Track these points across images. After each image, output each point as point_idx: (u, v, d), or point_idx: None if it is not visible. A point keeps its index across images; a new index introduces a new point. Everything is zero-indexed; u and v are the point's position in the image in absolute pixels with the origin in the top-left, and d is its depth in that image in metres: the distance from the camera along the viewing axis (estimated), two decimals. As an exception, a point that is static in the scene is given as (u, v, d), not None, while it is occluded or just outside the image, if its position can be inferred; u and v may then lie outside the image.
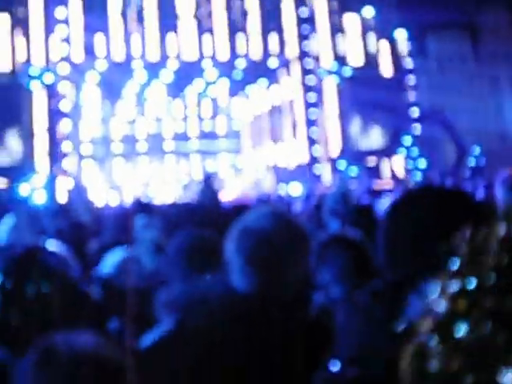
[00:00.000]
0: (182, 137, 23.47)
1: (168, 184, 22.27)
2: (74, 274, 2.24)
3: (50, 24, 21.78)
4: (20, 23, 21.94)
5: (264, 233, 2.11)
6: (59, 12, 22.14)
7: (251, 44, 23.39)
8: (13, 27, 21.85)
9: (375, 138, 25.01)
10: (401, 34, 25.47)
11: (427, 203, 1.76)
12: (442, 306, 0.65)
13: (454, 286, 0.65)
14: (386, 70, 25.38)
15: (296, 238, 2.11)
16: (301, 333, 1.86)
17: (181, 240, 3.21)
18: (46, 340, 1.51)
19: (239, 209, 5.84)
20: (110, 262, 3.74)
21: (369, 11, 24.75)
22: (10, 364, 1.92)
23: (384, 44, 25.25)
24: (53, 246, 2.36)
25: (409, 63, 25.71)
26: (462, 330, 0.62)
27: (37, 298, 2.01)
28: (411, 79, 25.63)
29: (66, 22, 22.07)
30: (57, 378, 1.40)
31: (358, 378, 1.62)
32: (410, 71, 25.68)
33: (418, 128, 25.27)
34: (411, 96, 25.54)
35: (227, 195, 18.72)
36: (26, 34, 21.74)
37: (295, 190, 19.94)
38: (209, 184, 11.42)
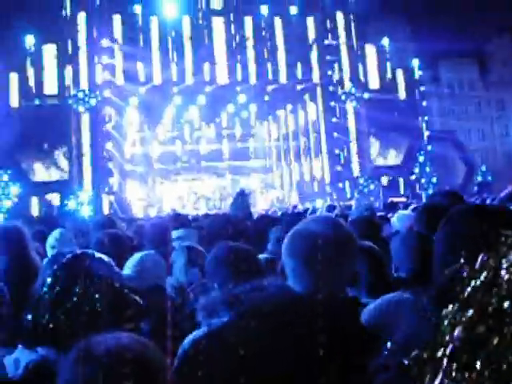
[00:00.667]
0: (216, 156, 24.58)
1: (203, 199, 23.65)
2: (119, 280, 2.23)
3: (94, 52, 22.74)
4: (67, 52, 22.89)
5: (317, 235, 2.06)
6: (103, 42, 23.26)
7: (279, 71, 24.45)
8: (60, 55, 22.77)
9: (391, 156, 26.20)
10: (415, 63, 26.79)
11: (481, 219, 1.76)
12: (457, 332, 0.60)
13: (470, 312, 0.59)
14: (402, 94, 26.55)
15: (345, 241, 2.06)
16: (351, 336, 1.69)
17: (219, 251, 3.15)
18: (87, 339, 1.48)
19: (268, 221, 5.85)
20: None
21: (386, 42, 26.01)
22: (55, 360, 1.95)
23: (400, 71, 26.49)
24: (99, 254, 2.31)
25: (422, 89, 27.19)
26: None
27: (83, 301, 2.02)
28: (424, 103, 27.09)
29: (109, 50, 23.14)
30: (94, 374, 1.38)
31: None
32: (423, 96, 27.14)
33: (430, 147, 26.52)
34: (424, 118, 26.88)
35: (257, 209, 19.88)
36: (73, 62, 22.74)
37: (318, 204, 21.12)
38: (242, 198, 12.25)
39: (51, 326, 2.02)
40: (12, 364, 2.02)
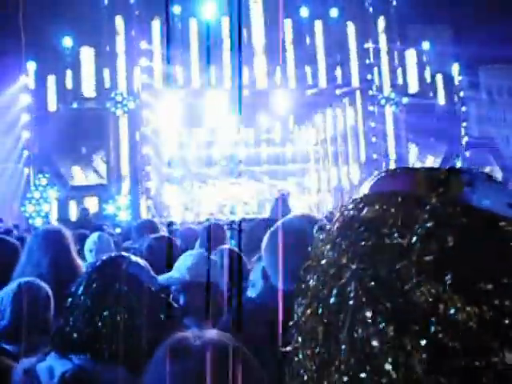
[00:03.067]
0: (255, 160, 23.76)
1: (242, 203, 22.84)
2: (154, 282, 2.17)
3: (132, 54, 21.97)
4: (105, 54, 22.58)
5: (294, 231, 2.22)
6: (142, 44, 22.62)
7: (319, 74, 23.54)
8: (98, 57, 22.06)
9: (429, 161, 24.94)
10: (455, 67, 25.66)
11: None
12: None
13: None
14: (441, 99, 25.49)
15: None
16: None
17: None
18: (174, 336, 1.44)
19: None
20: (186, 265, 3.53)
21: (427, 46, 24.95)
22: (92, 369, 1.89)
23: (439, 76, 25.42)
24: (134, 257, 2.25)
25: (461, 94, 25.90)
26: None
27: (118, 305, 1.95)
28: (463, 109, 25.91)
29: (147, 52, 22.43)
30: (190, 367, 1.34)
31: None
32: (463, 102, 25.99)
33: (468, 153, 25.42)
34: (463, 124, 25.66)
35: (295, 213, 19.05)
36: (111, 64, 21.98)
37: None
38: (282, 202, 11.79)
39: (86, 331, 1.94)
40: (45, 372, 1.92)
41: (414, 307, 0.58)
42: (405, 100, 24.55)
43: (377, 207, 0.65)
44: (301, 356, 0.68)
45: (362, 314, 0.61)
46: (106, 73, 22.17)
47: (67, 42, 22.03)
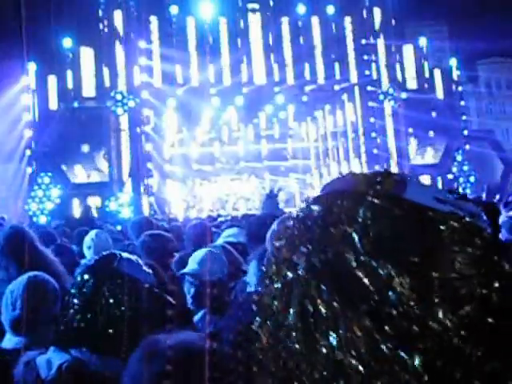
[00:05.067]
0: (255, 157, 24.09)
1: (242, 200, 23.07)
2: (149, 279, 2.19)
3: (131, 54, 22.48)
4: (104, 54, 22.58)
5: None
6: (140, 43, 22.92)
7: (317, 71, 24.01)
8: (98, 57, 22.57)
9: (429, 155, 25.57)
10: (453, 62, 26.13)
11: None
12: None
13: None
14: (439, 94, 25.84)
15: None
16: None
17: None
18: (148, 338, 1.50)
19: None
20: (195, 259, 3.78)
21: (424, 41, 25.44)
22: (88, 361, 1.96)
23: (437, 71, 25.82)
24: (130, 254, 2.29)
25: (460, 88, 26.51)
26: None
27: (111, 302, 2.02)
28: (462, 103, 26.37)
29: (146, 51, 22.95)
30: (161, 369, 1.38)
31: None
32: (461, 96, 26.55)
33: (468, 147, 25.93)
34: (462, 118, 26.19)
35: (295, 209, 19.46)
36: (110, 64, 22.49)
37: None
38: (272, 198, 12.03)
39: (81, 327, 2.02)
40: (44, 364, 2.02)
41: (357, 282, 0.69)
42: (403, 95, 25.00)
43: (324, 203, 0.77)
44: (260, 333, 0.78)
45: (310, 290, 0.71)
46: (106, 72, 22.61)
47: (67, 42, 22.48)
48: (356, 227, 0.72)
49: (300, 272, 0.73)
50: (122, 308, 2.01)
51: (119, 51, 22.69)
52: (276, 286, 0.77)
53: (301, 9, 23.88)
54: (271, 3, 23.80)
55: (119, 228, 11.39)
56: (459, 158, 25.70)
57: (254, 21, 23.76)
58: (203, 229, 5.83)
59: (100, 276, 2.10)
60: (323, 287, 0.70)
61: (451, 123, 25.56)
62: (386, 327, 0.67)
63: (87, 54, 22.79)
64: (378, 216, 0.73)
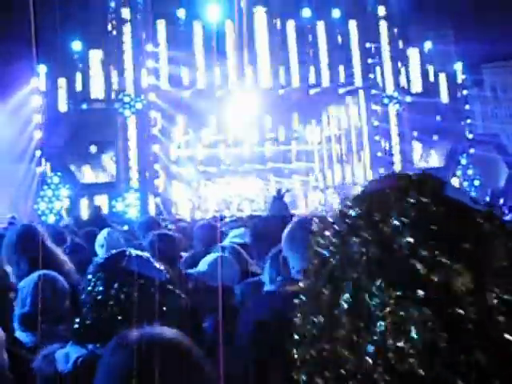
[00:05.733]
0: (259, 159, 24.37)
1: (247, 201, 23.29)
2: (161, 276, 2.22)
3: (139, 56, 22.96)
4: (112, 57, 23.06)
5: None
6: (148, 46, 23.33)
7: (322, 74, 24.44)
8: (106, 60, 23.13)
9: (433, 159, 25.84)
10: (458, 66, 26.45)
11: None
12: None
13: None
14: (444, 98, 26.23)
15: None
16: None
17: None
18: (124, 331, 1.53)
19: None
20: (205, 262, 3.85)
21: (429, 45, 25.73)
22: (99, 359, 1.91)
23: (442, 74, 26.18)
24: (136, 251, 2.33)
25: (465, 92, 26.72)
26: None
27: (122, 299, 2.07)
28: (467, 107, 26.66)
29: (154, 54, 23.40)
30: (127, 361, 1.39)
31: None
32: (466, 100, 26.77)
33: (473, 150, 26.11)
34: (467, 122, 26.47)
35: (299, 211, 19.89)
36: (118, 66, 23.01)
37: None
38: (279, 199, 12.24)
39: (95, 324, 2.10)
40: (62, 358, 2.10)
41: (413, 271, 0.72)
42: (408, 99, 25.35)
43: (370, 202, 0.82)
44: (305, 323, 0.82)
45: (365, 282, 0.74)
46: (114, 75, 23.14)
47: (76, 45, 23.04)
48: (406, 222, 0.77)
49: (353, 266, 0.77)
50: (133, 304, 2.05)
51: (127, 54, 23.15)
52: (323, 279, 0.81)
53: (306, 12, 24.26)
54: (277, 7, 24.24)
55: (126, 228, 11.55)
56: (464, 161, 26.00)
57: (260, 24, 24.18)
58: (212, 229, 5.91)
59: (110, 274, 2.16)
60: (379, 279, 0.73)
61: (456, 127, 25.85)
62: (442, 315, 0.70)
63: (96, 57, 23.27)
64: (425, 212, 0.78)
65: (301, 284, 0.89)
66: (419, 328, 0.71)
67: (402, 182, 0.86)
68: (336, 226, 0.85)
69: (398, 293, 0.73)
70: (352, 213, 0.84)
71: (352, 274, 0.78)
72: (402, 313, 0.72)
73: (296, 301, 0.88)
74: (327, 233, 0.86)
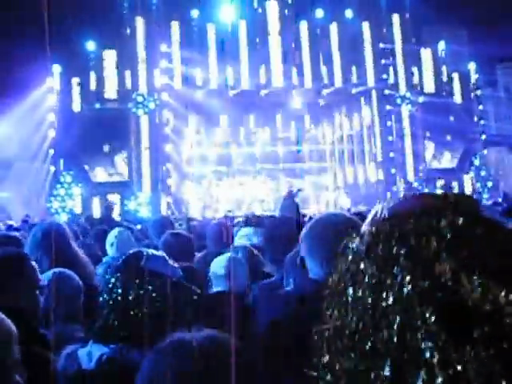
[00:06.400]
0: (271, 159, 24.58)
1: (257, 201, 23.46)
2: (176, 274, 2.24)
3: (152, 56, 23.31)
4: (126, 57, 23.45)
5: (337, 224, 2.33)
6: (161, 47, 23.59)
7: (335, 74, 24.54)
8: (120, 60, 23.48)
9: (446, 159, 25.83)
10: (471, 66, 26.48)
11: None
12: None
13: None
14: (457, 98, 26.23)
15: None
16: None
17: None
18: (171, 335, 1.51)
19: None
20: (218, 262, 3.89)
21: (442, 45, 25.82)
22: (126, 354, 2.05)
23: (455, 75, 26.22)
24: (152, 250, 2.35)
25: (478, 93, 26.62)
26: None
27: (141, 299, 2.08)
28: (480, 107, 26.59)
29: (167, 55, 23.68)
30: (183, 367, 1.40)
31: None
32: (480, 100, 26.69)
33: (486, 151, 26.17)
34: (480, 123, 26.38)
35: (311, 211, 20.01)
36: (132, 66, 23.41)
37: (372, 206, 21.16)
38: (290, 200, 12.23)
39: (116, 324, 2.13)
40: (85, 357, 2.13)
41: (453, 295, 0.69)
42: (421, 99, 25.40)
43: (409, 224, 0.78)
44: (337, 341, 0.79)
45: (413, 308, 0.71)
46: (128, 75, 23.45)
47: (90, 45, 23.39)
48: (443, 245, 0.74)
49: (400, 288, 0.73)
50: (153, 304, 2.09)
51: (141, 54, 23.48)
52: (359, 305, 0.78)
53: (319, 13, 24.42)
54: (290, 7, 24.43)
55: (139, 227, 11.44)
56: (477, 162, 25.98)
57: (273, 24, 24.36)
58: (225, 228, 5.86)
59: (129, 275, 2.18)
60: (427, 312, 0.70)
61: (469, 127, 25.83)
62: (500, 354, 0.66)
63: (110, 57, 23.56)
64: (462, 234, 0.75)
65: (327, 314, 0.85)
66: (476, 371, 0.66)
67: (437, 202, 0.83)
68: (368, 245, 0.82)
69: (448, 330, 0.68)
70: (380, 235, 0.80)
71: (394, 305, 0.74)
72: (454, 355, 0.67)
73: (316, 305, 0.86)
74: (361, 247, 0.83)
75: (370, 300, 0.76)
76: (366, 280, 0.78)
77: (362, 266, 0.80)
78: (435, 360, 0.67)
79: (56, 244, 3.62)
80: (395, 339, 0.72)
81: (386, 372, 0.72)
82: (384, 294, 0.75)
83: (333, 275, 0.85)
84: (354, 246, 0.84)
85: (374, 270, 0.78)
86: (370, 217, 0.89)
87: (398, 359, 0.71)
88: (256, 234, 5.48)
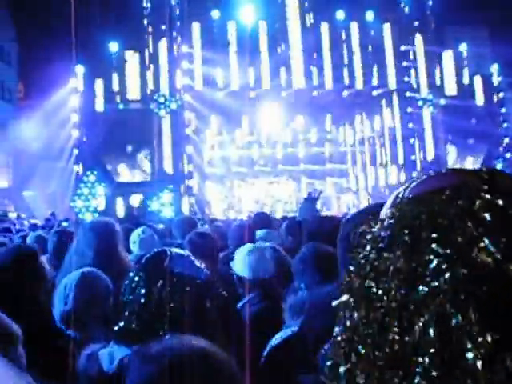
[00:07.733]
0: (292, 160, 24.91)
1: (279, 202, 23.92)
2: (202, 274, 2.19)
3: (174, 57, 23.76)
4: (148, 58, 23.92)
5: None
6: (183, 47, 24.16)
7: (356, 76, 24.91)
8: (142, 61, 23.98)
9: (468, 163, 25.84)
10: (494, 68, 26.67)
11: None
12: None
13: None
14: (479, 101, 26.47)
15: None
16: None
17: (308, 251, 3.23)
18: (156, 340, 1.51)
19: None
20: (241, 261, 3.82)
21: (464, 47, 26.01)
22: None
23: (477, 77, 26.43)
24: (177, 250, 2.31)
25: (501, 95, 26.91)
26: None
27: (165, 300, 2.05)
28: (503, 110, 26.76)
29: (188, 55, 24.22)
30: (156, 371, 1.40)
31: None
32: (502, 102, 26.88)
33: (509, 155, 26.30)
34: (503, 125, 26.64)
35: (331, 212, 20.32)
36: (154, 67, 23.81)
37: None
38: (310, 202, 12.43)
39: (138, 325, 2.09)
40: (107, 358, 2.12)
41: (494, 281, 0.63)
42: (442, 101, 25.58)
43: (439, 205, 0.70)
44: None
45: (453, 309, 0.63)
46: (150, 75, 23.89)
47: (113, 47, 23.88)
48: (482, 229, 0.67)
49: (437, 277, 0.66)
50: (176, 305, 2.05)
51: (162, 55, 23.89)
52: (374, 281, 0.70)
53: (340, 15, 24.71)
54: (311, 8, 24.79)
55: (162, 226, 12.11)
56: (499, 166, 25.97)
57: (294, 25, 24.72)
58: (248, 229, 5.76)
59: (152, 274, 2.14)
60: (469, 309, 0.63)
61: (491, 130, 25.85)
62: None
63: (132, 58, 24.06)
64: (498, 214, 0.68)
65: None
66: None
67: (468, 179, 0.74)
68: (384, 229, 0.75)
69: (495, 335, 0.62)
70: (408, 215, 0.73)
71: (427, 298, 0.66)
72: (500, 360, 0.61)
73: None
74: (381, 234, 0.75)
75: (397, 294, 0.69)
76: (392, 270, 0.70)
77: (384, 254, 0.72)
78: (479, 365, 0.61)
79: (102, 241, 3.67)
80: (432, 337, 0.64)
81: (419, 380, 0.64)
82: (415, 285, 0.67)
83: (348, 269, 0.77)
84: (374, 232, 0.76)
85: (401, 258, 0.70)
86: (390, 199, 0.80)
87: (434, 362, 0.64)
88: (272, 235, 5.58)
